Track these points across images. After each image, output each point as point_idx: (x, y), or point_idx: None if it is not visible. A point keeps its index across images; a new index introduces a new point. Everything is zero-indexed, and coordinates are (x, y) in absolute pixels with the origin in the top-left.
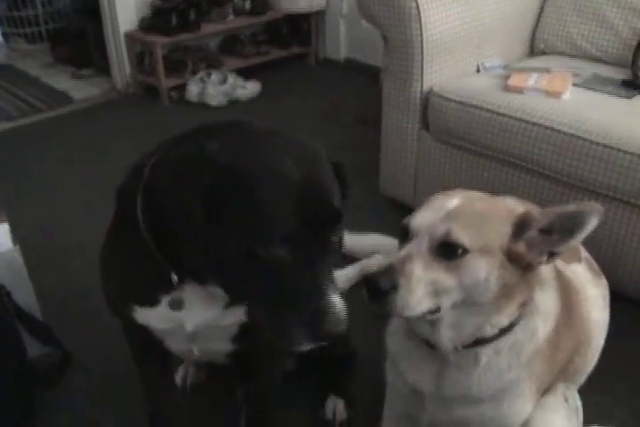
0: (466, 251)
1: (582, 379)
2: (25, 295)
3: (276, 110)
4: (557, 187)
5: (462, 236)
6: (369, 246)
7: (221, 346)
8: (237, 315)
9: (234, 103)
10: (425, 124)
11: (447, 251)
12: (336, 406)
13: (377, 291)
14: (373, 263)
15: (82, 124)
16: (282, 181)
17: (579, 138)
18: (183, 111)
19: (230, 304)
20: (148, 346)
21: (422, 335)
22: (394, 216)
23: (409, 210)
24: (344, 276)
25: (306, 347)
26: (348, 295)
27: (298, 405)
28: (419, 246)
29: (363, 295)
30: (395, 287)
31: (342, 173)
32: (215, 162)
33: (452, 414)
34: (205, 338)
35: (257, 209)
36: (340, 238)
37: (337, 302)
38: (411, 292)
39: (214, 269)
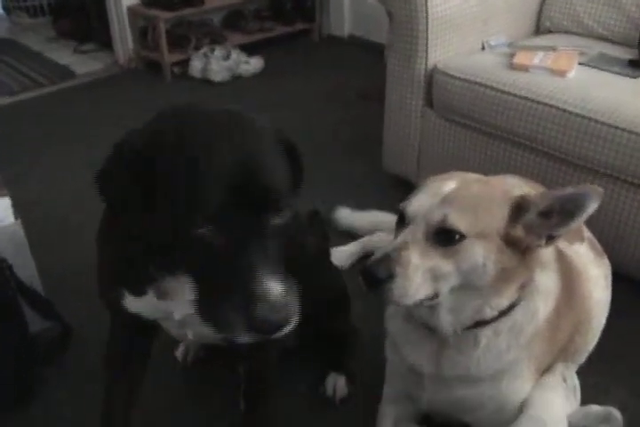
0: (463, 237)
1: (582, 359)
2: (26, 270)
3: (279, 86)
4: (561, 166)
5: (459, 222)
6: (371, 223)
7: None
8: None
9: (237, 79)
10: (429, 101)
11: (444, 237)
12: (337, 383)
13: (374, 280)
14: (375, 240)
15: (84, 100)
16: (207, 163)
17: (584, 117)
18: (186, 87)
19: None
20: (130, 347)
21: (421, 320)
22: (396, 193)
23: (412, 187)
24: (346, 252)
25: (246, 339)
26: (349, 272)
27: (298, 381)
28: (415, 233)
29: (360, 284)
30: (392, 276)
31: (296, 155)
32: (138, 148)
33: (451, 394)
34: (197, 325)
35: (178, 192)
36: (287, 222)
37: (277, 289)
38: (408, 280)
39: (169, 257)
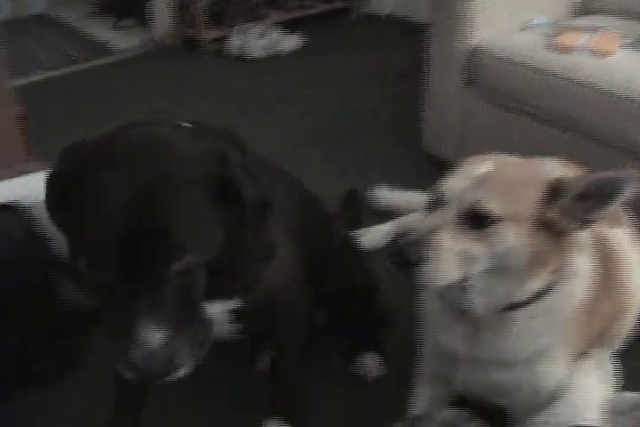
0: (495, 220)
1: (620, 344)
2: (64, 245)
3: (318, 64)
4: (604, 149)
5: (491, 205)
6: (408, 203)
7: (220, 328)
8: (217, 307)
9: (275, 57)
10: (470, 81)
11: (476, 220)
12: (370, 363)
13: (405, 263)
14: (412, 220)
15: (120, 76)
16: (101, 203)
17: (627, 99)
18: (223, 64)
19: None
20: None
21: (454, 302)
22: (435, 173)
23: (450, 168)
24: (381, 232)
25: (132, 377)
26: (384, 252)
27: (328, 361)
28: (447, 215)
29: (388, 266)
30: (423, 259)
31: (237, 188)
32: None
33: (486, 377)
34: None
35: (75, 227)
36: (198, 266)
37: (155, 338)
38: (439, 263)
39: None
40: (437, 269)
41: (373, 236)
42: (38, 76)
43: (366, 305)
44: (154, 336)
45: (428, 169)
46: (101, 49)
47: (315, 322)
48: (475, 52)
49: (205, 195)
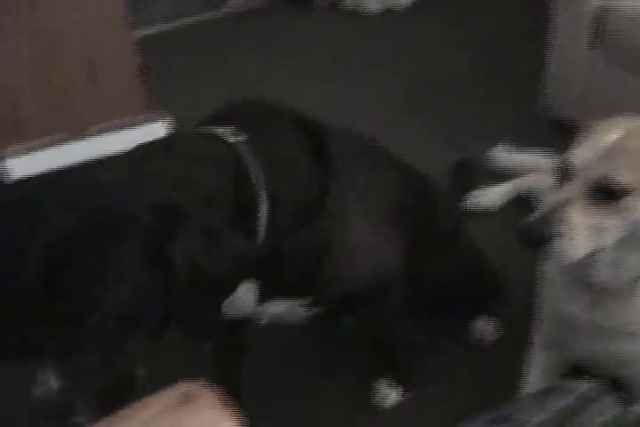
0: (626, 192)
1: None
2: None
3: (431, 22)
4: None
5: (621, 176)
6: (525, 165)
7: (293, 317)
8: (282, 305)
9: (388, 12)
10: (597, 41)
11: (606, 193)
12: (484, 327)
13: (538, 240)
14: (529, 181)
15: (233, 29)
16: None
17: None
18: (335, 19)
19: (262, 299)
20: None
21: (581, 274)
22: (554, 135)
23: (571, 131)
24: (499, 193)
25: None
26: (500, 214)
27: (441, 326)
28: (576, 188)
29: (519, 242)
30: (555, 235)
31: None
32: None
33: (608, 345)
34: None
35: None
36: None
37: (52, 384)
38: (572, 239)
39: None
40: (570, 245)
41: (492, 196)
42: (150, 30)
43: (476, 281)
44: (52, 381)
45: (547, 131)
46: (211, 3)
47: (418, 301)
48: (603, 12)
49: (132, 254)
